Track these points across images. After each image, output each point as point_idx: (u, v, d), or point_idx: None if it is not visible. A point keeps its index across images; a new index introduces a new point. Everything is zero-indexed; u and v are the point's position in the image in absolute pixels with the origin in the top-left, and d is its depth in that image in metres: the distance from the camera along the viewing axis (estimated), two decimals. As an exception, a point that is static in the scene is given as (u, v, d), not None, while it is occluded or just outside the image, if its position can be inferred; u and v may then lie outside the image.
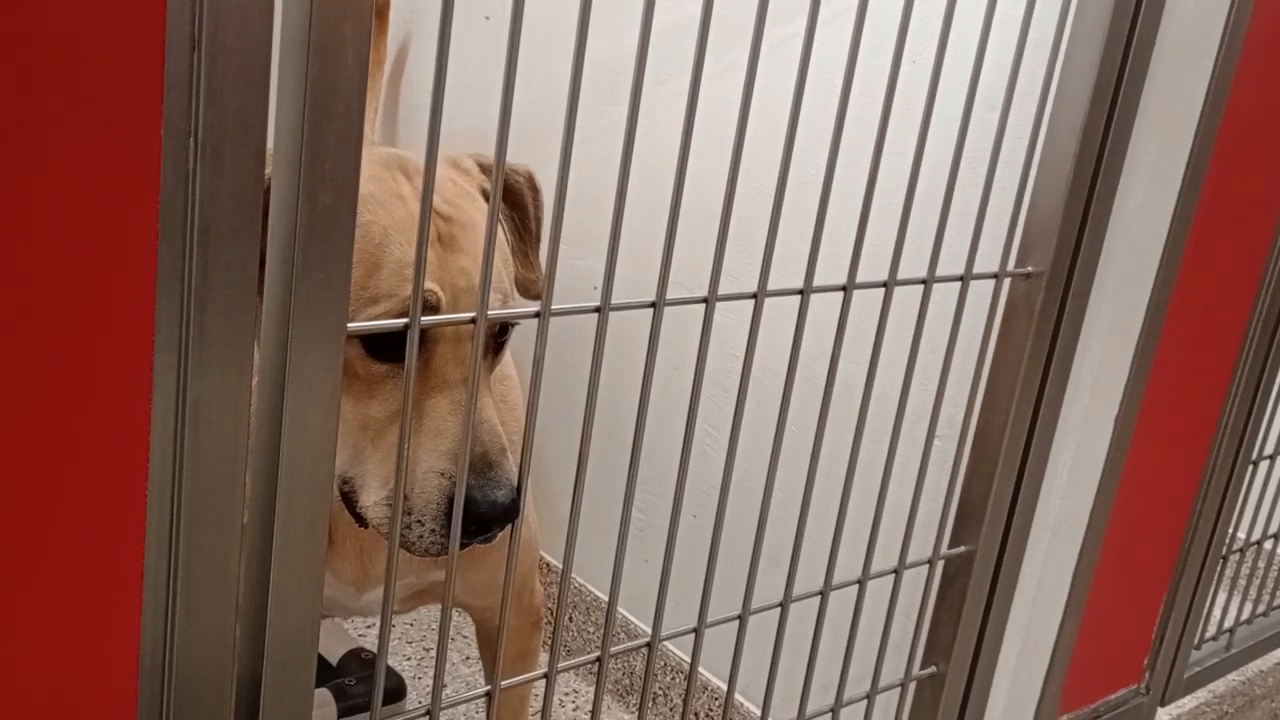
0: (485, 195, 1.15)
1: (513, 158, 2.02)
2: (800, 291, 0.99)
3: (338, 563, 1.21)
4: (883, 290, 1.07)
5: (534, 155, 1.93)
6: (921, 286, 1.09)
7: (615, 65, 1.78)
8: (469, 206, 1.09)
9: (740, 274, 1.61)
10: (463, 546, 0.93)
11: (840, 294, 1.03)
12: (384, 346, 1.00)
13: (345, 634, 1.68)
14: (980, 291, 1.16)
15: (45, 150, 0.59)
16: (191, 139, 0.61)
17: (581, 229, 1.83)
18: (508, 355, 1.27)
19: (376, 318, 0.99)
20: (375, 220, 1.01)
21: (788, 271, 1.49)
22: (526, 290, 1.21)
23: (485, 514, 0.96)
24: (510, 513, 0.96)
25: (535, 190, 1.24)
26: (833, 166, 0.98)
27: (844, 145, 0.98)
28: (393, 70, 2.23)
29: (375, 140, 2.15)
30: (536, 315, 0.82)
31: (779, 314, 1.54)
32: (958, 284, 1.12)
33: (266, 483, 0.73)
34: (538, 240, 1.24)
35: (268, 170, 0.66)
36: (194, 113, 0.61)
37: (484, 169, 1.19)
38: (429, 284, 1.01)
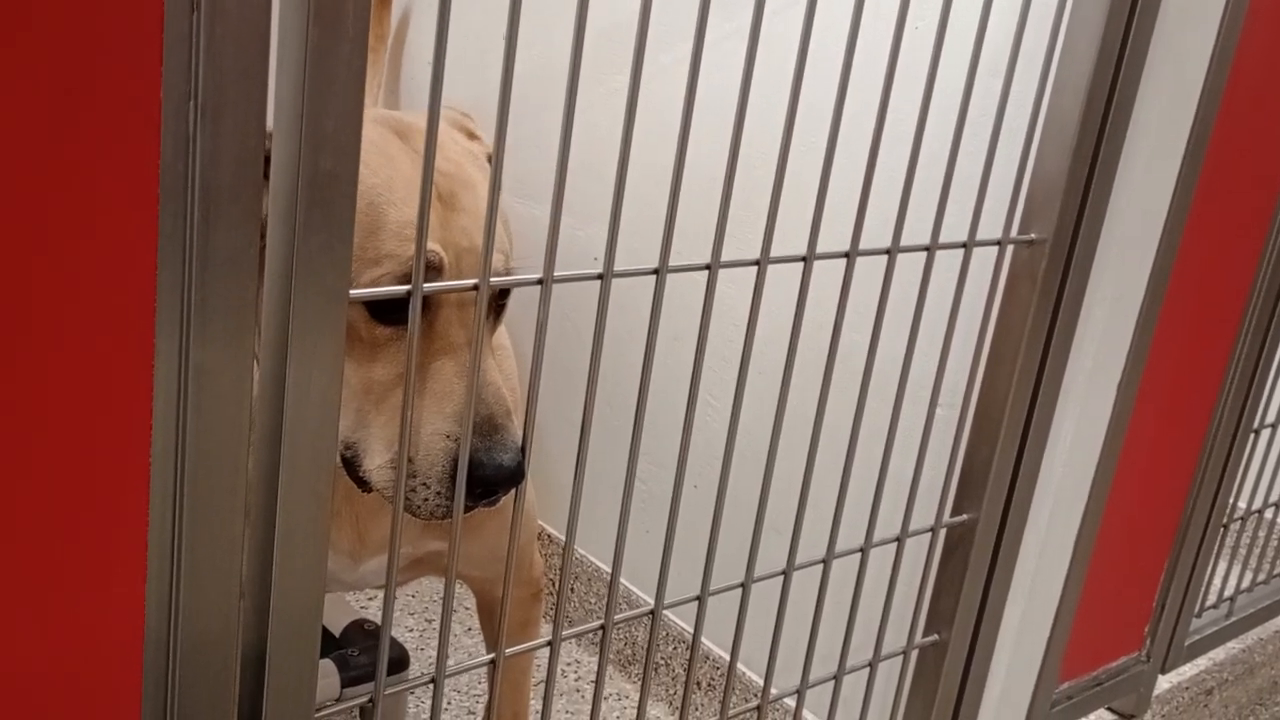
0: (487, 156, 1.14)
1: (513, 127, 2.01)
2: (803, 258, 0.99)
3: (334, 532, 1.21)
4: (885, 257, 1.06)
5: (535, 124, 1.93)
6: (924, 254, 1.09)
7: (617, 33, 1.77)
8: (469, 165, 1.08)
9: (743, 245, 1.60)
10: (467, 510, 0.93)
11: (843, 261, 1.03)
12: (387, 309, 1.00)
13: (348, 605, 1.68)
14: (983, 259, 1.16)
15: (43, 113, 0.59)
16: (191, 102, 0.61)
17: (583, 199, 1.83)
18: (502, 326, 1.26)
19: (379, 280, 0.98)
20: (373, 181, 1.00)
21: (791, 242, 1.49)
22: None
23: (491, 476, 0.96)
24: (516, 475, 0.96)
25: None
26: (835, 133, 0.97)
27: (847, 112, 0.97)
28: (394, 43, 2.22)
29: (375, 112, 2.14)
30: (539, 282, 0.82)
31: (781, 283, 1.54)
32: (960, 251, 1.12)
33: (270, 448, 0.73)
34: None
35: (269, 133, 0.65)
36: (194, 75, 0.61)
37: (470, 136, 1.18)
38: (431, 245, 1.00)
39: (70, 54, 0.58)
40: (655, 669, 1.85)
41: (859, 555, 1.17)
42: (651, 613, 1.03)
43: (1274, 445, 1.81)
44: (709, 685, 1.78)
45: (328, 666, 1.49)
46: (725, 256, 0.93)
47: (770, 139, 1.54)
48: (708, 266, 0.92)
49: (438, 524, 1.20)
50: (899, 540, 1.20)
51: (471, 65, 2.02)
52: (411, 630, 1.98)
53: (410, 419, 0.79)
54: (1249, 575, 1.88)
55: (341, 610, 1.64)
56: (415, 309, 0.76)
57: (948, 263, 1.18)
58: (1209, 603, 1.77)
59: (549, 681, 0.97)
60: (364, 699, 0.87)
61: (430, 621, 2.00)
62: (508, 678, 1.46)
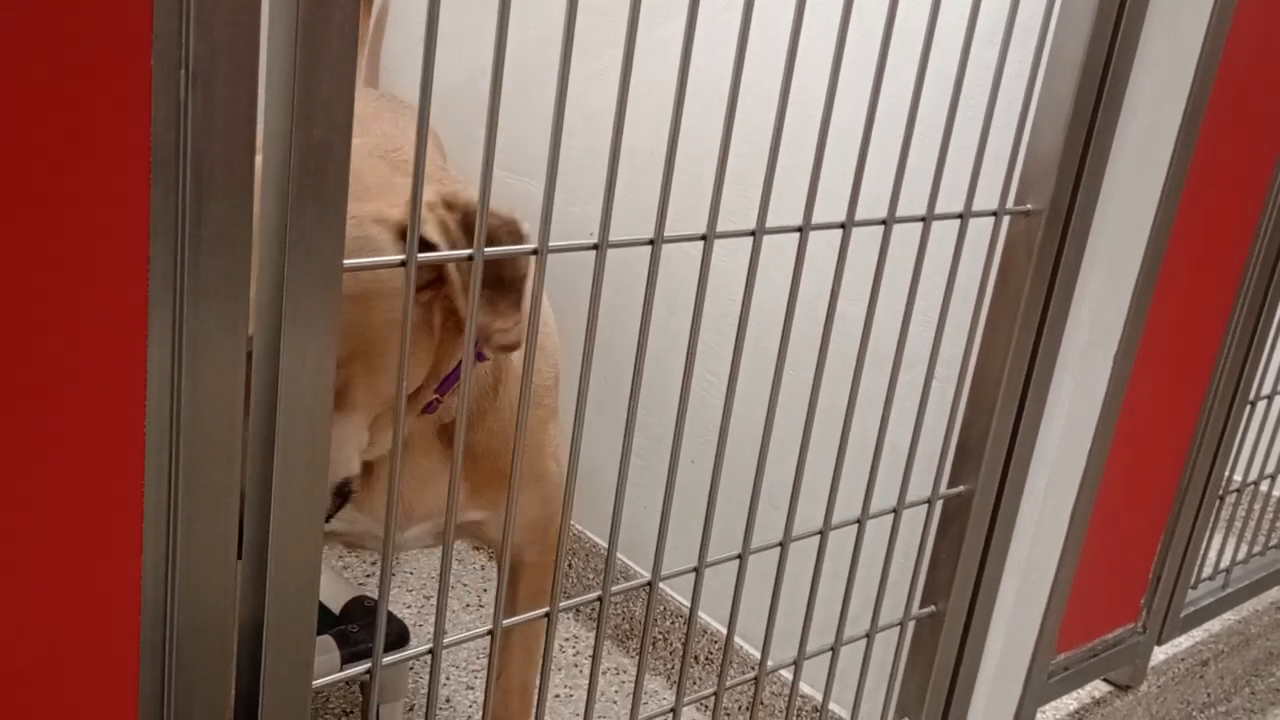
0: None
1: (506, 102, 1.99)
2: (799, 229, 0.99)
3: (378, 501, 1.21)
4: (882, 228, 1.06)
5: (528, 100, 1.92)
6: (921, 224, 1.09)
7: (610, 7, 1.76)
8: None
9: (739, 218, 1.60)
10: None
11: (839, 232, 1.03)
12: None
13: (347, 582, 1.68)
14: (979, 230, 1.15)
15: (32, 82, 0.58)
16: (183, 70, 0.61)
17: (578, 176, 1.82)
18: (545, 302, 1.21)
19: None
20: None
21: (787, 213, 1.48)
22: (488, 340, 1.06)
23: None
24: None
25: (517, 238, 1.03)
26: (831, 104, 0.97)
27: (842, 82, 0.97)
28: (377, 19, 2.20)
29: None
30: (534, 252, 0.82)
31: (777, 255, 1.54)
32: (957, 221, 1.12)
33: (265, 423, 0.72)
34: (512, 292, 1.06)
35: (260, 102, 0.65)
36: (184, 43, 0.60)
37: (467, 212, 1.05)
38: None
39: (59, 22, 0.58)
40: (653, 643, 1.85)
41: (856, 527, 1.17)
42: (649, 584, 1.03)
43: (1270, 417, 1.81)
44: (706, 659, 1.78)
45: (327, 642, 1.49)
46: (721, 229, 0.92)
47: (766, 110, 1.54)
48: (703, 237, 0.92)
49: (479, 494, 1.23)
50: (896, 512, 1.20)
51: (465, 42, 2.01)
52: (409, 607, 1.98)
53: (404, 392, 0.79)
54: (1244, 547, 1.88)
55: (342, 588, 1.65)
56: (410, 279, 0.76)
57: (944, 234, 1.17)
58: (1205, 574, 1.78)
59: (546, 653, 0.98)
60: (363, 672, 0.87)
61: (429, 598, 2.01)
62: (522, 644, 1.46)
